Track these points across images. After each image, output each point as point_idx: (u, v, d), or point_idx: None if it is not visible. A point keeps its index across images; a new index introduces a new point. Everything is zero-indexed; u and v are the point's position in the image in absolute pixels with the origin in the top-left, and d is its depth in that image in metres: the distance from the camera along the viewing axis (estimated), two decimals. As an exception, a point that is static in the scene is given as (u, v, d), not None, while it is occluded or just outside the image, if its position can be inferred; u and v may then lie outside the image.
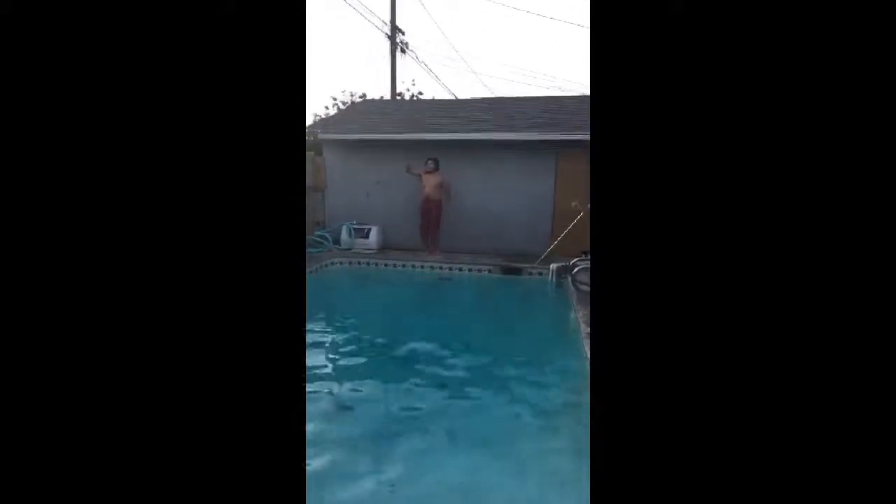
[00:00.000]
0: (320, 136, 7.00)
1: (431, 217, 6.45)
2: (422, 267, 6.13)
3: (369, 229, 6.72)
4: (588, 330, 3.44)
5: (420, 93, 13.79)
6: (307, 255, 5.94)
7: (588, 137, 6.13)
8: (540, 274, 5.61)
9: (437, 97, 9.17)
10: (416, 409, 2.72)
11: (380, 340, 3.69)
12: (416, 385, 2.97)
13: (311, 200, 7.00)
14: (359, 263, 6.26)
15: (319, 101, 33.89)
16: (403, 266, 6.18)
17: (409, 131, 6.76)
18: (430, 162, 6.41)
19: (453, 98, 8.29)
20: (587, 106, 7.20)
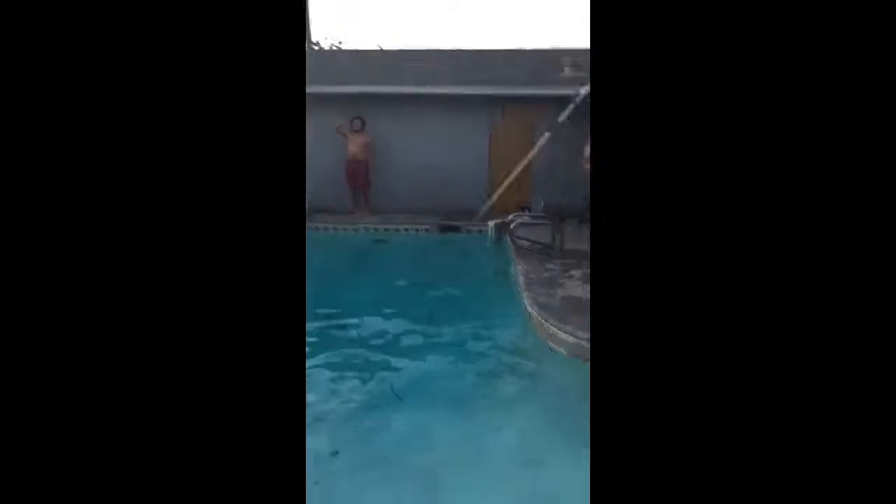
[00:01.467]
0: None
1: (360, 178, 6.09)
2: (355, 230, 5.79)
3: (296, 191, 6.21)
4: (525, 282, 3.40)
5: (339, 42, 12.80)
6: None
7: (524, 92, 5.99)
8: (480, 231, 5.50)
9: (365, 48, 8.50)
10: (358, 375, 2.55)
11: (316, 311, 3.39)
12: (355, 354, 2.78)
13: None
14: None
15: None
16: (335, 229, 5.79)
17: (329, 84, 6.18)
18: (355, 121, 6.00)
19: (378, 49, 7.69)
20: (519, 59, 7.02)
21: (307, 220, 5.77)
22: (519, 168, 5.77)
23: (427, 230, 5.72)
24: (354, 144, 6.02)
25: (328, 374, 2.51)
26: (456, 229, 5.68)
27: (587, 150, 3.38)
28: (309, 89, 6.09)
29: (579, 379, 2.40)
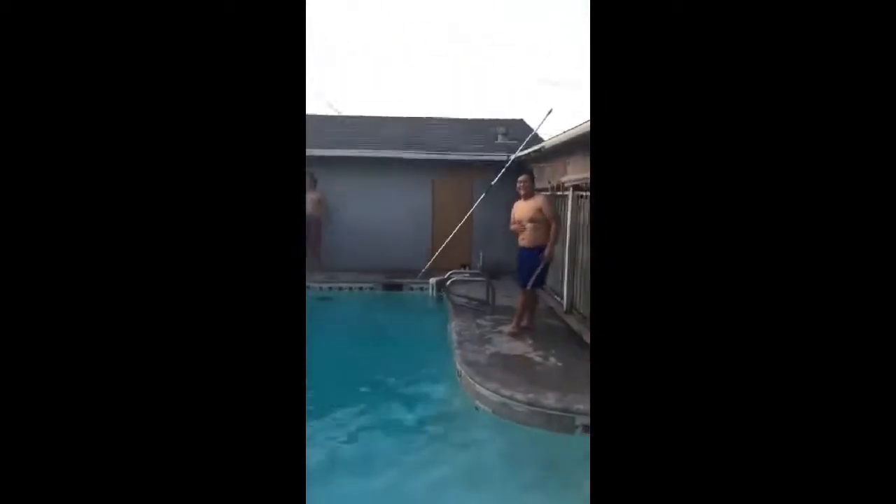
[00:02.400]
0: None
1: (311, 235, 6.17)
2: (300, 288, 5.80)
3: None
4: (458, 339, 3.56)
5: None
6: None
7: (461, 157, 6.48)
8: (421, 289, 5.68)
9: (316, 113, 8.93)
10: None
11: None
12: None
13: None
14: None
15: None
16: (279, 288, 5.77)
17: None
18: (307, 179, 6.16)
19: (334, 114, 8.14)
20: (458, 128, 7.63)
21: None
22: (456, 228, 6.11)
23: (371, 288, 5.83)
24: (308, 201, 6.12)
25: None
26: (399, 287, 5.83)
27: (513, 210, 3.73)
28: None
29: (500, 439, 2.52)
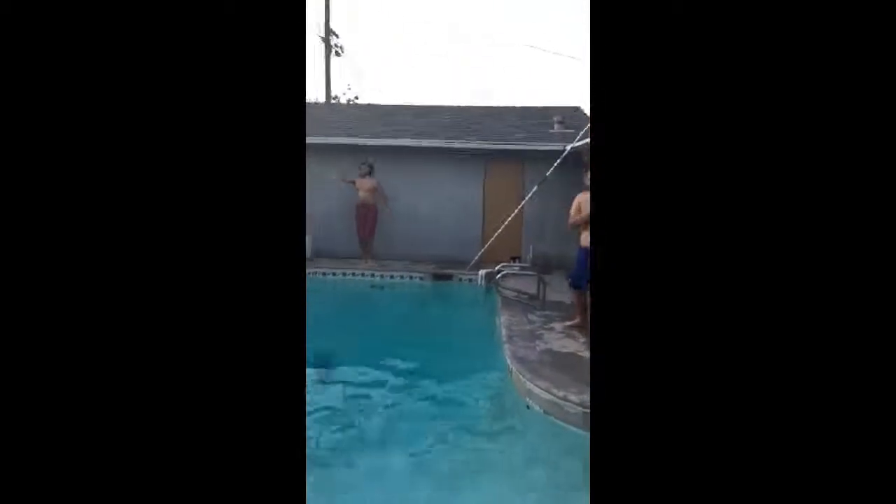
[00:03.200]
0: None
1: (367, 222, 6.31)
2: (353, 275, 5.98)
3: (297, 237, 6.45)
4: (507, 334, 3.52)
5: (356, 97, 13.53)
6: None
7: (514, 147, 6.33)
8: (470, 280, 5.67)
9: (374, 102, 9.09)
10: (338, 425, 2.60)
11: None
12: (338, 399, 2.86)
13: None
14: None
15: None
16: (334, 275, 5.98)
17: (342, 136, 6.60)
18: (363, 166, 6.27)
19: (390, 104, 8.24)
20: (511, 116, 7.44)
21: (311, 265, 6.01)
22: (508, 220, 6.01)
23: (421, 278, 5.90)
24: (363, 189, 6.21)
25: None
26: (448, 277, 5.85)
27: (574, 203, 3.39)
28: (319, 140, 6.52)
29: (549, 439, 2.46)
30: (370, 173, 6.28)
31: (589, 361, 2.95)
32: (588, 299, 3.52)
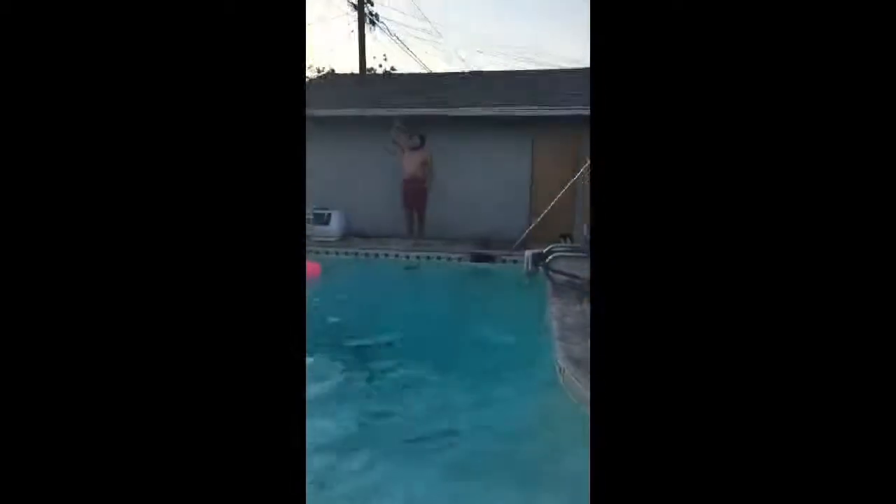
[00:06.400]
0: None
1: (418, 199, 5.77)
2: (386, 255, 5.55)
3: (329, 214, 6.07)
4: (559, 328, 2.92)
5: (392, 68, 13.02)
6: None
7: (561, 113, 5.57)
8: (514, 262, 5.06)
9: (409, 72, 8.53)
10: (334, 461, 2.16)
11: (316, 342, 3.09)
12: (327, 434, 2.39)
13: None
14: (316, 252, 5.58)
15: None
16: (366, 255, 5.58)
17: (378, 107, 6.10)
18: (415, 137, 5.70)
19: (426, 72, 7.64)
20: (564, 79, 6.62)
21: (342, 245, 5.64)
22: (558, 196, 5.31)
23: (460, 259, 5.36)
24: (411, 163, 5.65)
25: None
26: (490, 259, 5.28)
27: None
28: (351, 111, 6.09)
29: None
30: (422, 145, 5.70)
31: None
32: None
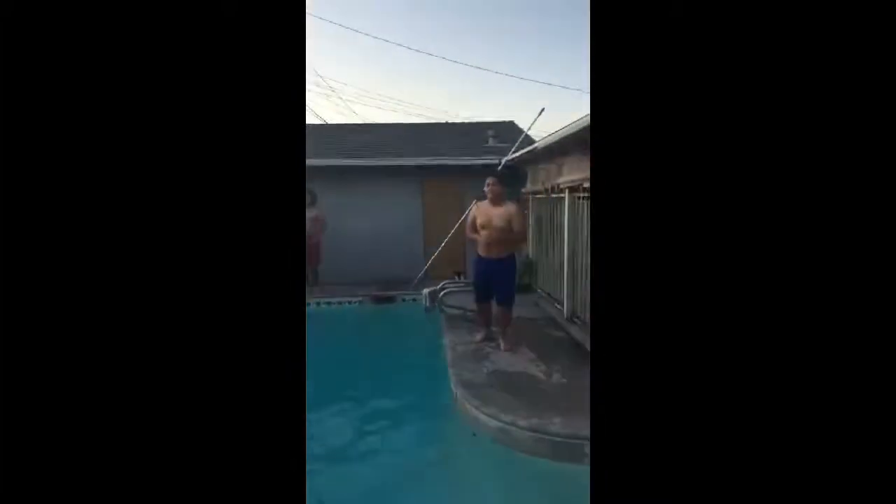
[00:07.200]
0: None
1: (311, 255, 5.82)
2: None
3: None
4: (451, 356, 3.28)
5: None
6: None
7: (447, 162, 6.24)
8: (414, 300, 5.39)
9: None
10: None
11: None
12: None
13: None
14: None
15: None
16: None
17: None
18: (307, 195, 5.82)
19: (322, 123, 7.89)
20: (447, 132, 7.40)
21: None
22: (447, 237, 5.85)
23: (360, 301, 5.54)
24: (307, 221, 5.81)
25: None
26: (391, 299, 5.55)
27: (476, 215, 3.41)
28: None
29: (501, 469, 2.26)
30: (314, 203, 5.86)
31: (537, 380, 2.81)
32: (497, 310, 3.40)
